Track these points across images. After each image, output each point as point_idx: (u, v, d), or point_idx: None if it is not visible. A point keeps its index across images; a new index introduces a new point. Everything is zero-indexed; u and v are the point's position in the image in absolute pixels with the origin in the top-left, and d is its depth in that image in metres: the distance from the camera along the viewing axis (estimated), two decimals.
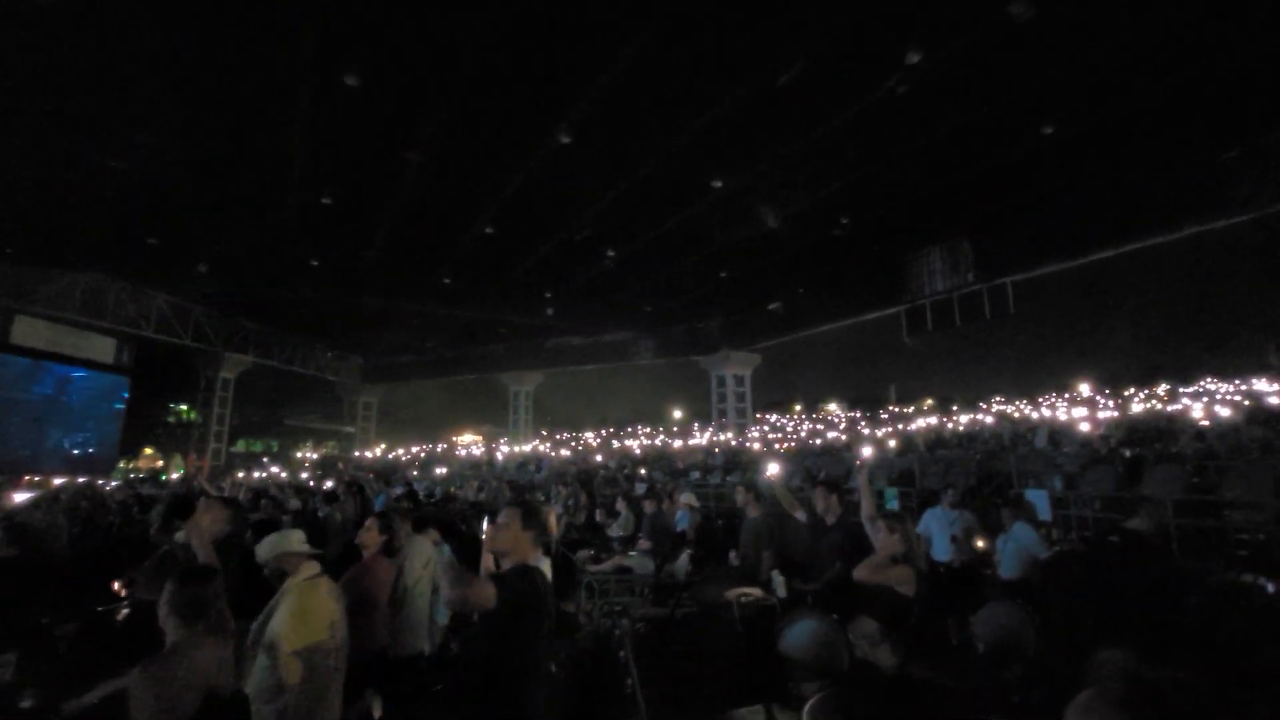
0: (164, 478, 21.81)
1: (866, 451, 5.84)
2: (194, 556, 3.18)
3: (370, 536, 3.67)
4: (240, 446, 30.92)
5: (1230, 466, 7.17)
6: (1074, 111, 9.55)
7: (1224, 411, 14.89)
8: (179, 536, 4.34)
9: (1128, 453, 9.63)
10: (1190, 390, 29.22)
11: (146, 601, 3.27)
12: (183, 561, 4.16)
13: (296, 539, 2.98)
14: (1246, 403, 17.94)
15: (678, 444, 23.49)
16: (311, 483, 15.90)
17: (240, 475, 17.47)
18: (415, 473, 18.69)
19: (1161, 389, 31.27)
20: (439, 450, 27.59)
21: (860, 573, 3.27)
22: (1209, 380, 32.10)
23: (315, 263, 15.72)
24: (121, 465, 26.38)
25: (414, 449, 27.82)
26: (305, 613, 2.64)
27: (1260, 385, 24.18)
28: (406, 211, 12.66)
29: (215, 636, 2.22)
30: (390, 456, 26.50)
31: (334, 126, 9.72)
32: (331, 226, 13.46)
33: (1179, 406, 20.96)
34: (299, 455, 29.06)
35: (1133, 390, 31.67)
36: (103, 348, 20.39)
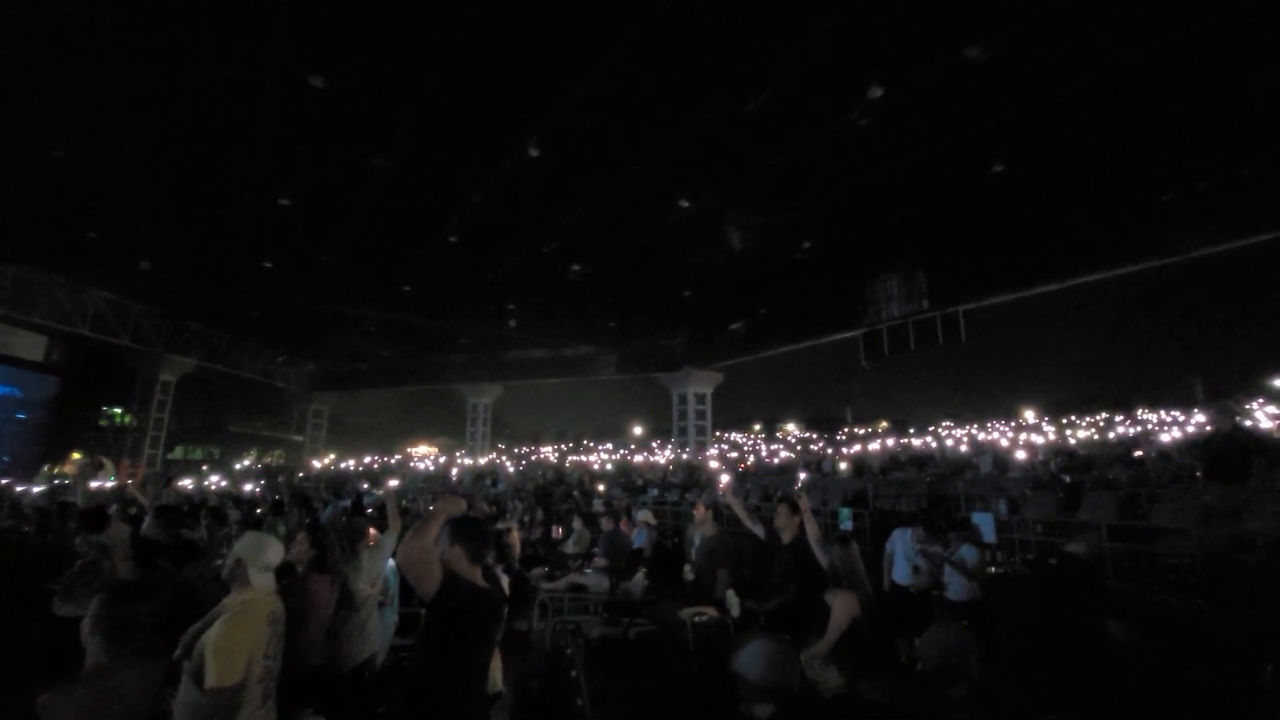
0: (93, 484, 20.52)
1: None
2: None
3: (300, 551, 3.51)
4: (178, 453, 29.43)
5: (1161, 494, 7.53)
6: (1022, 152, 10.07)
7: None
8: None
9: (1067, 478, 10.02)
10: (1124, 419, 30.75)
11: (65, 617, 3.06)
12: (106, 574, 3.92)
13: (266, 558, 2.73)
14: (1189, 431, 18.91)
15: (638, 459, 23.42)
16: (257, 491, 15.24)
17: (180, 483, 16.63)
18: (365, 485, 18.10)
19: (1100, 418, 32.81)
20: (392, 462, 26.83)
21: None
22: (1144, 410, 33.82)
23: (269, 265, 15.22)
24: (45, 470, 24.78)
25: (366, 459, 27.00)
26: (228, 650, 2.40)
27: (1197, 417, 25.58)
28: (369, 217, 12.40)
29: (141, 660, 2.08)
30: (341, 467, 25.64)
31: (297, 126, 9.48)
32: (289, 228, 13.08)
33: (1116, 434, 22.00)
34: (241, 464, 27.84)
35: (1074, 417, 33.12)
36: (31, 345, 19.21)
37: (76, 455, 31.35)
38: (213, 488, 16.09)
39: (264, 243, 13.98)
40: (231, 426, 33.72)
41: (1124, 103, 8.96)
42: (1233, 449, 6.19)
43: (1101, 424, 30.09)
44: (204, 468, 25.86)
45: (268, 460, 30.62)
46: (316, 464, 26.39)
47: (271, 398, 30.04)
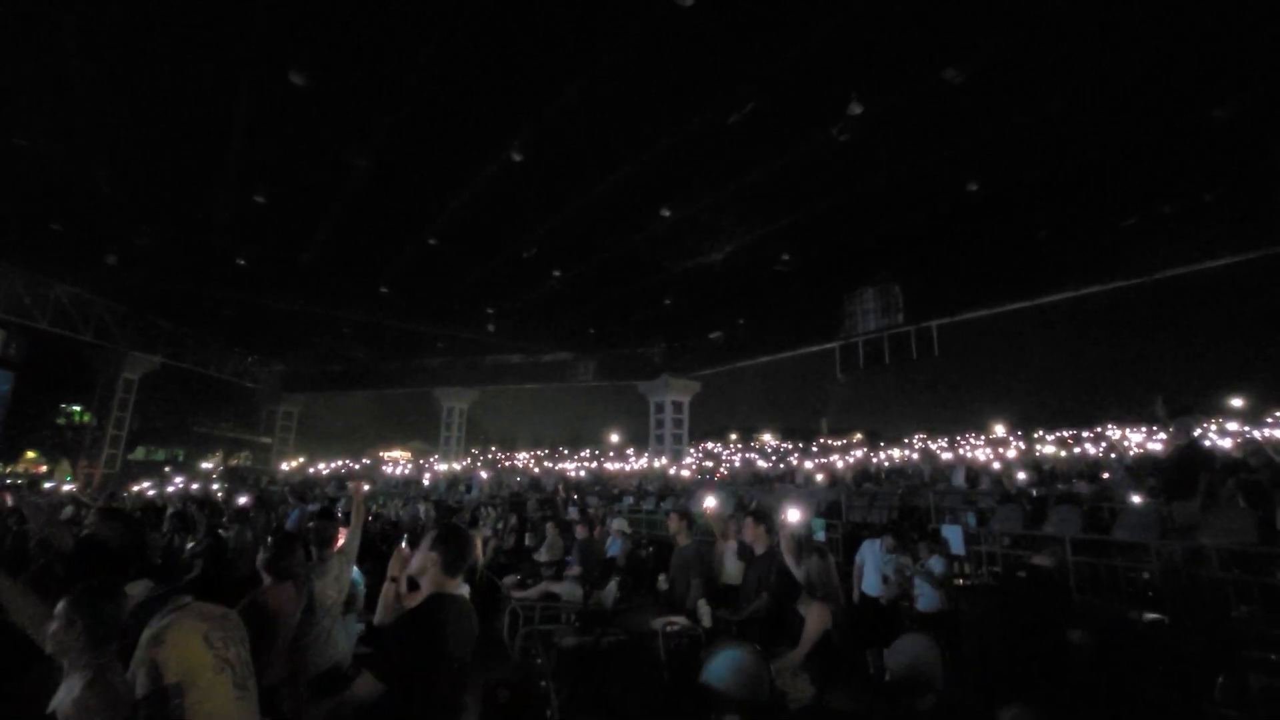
0: (47, 485, 19.80)
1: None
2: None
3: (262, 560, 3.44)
4: (140, 454, 28.50)
5: (1123, 508, 7.74)
6: (995, 172, 10.34)
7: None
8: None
9: (1034, 492, 10.24)
10: (1090, 434, 31.59)
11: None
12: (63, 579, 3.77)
13: (138, 589, 2.63)
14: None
15: (613, 467, 23.37)
16: (219, 494, 14.84)
17: (139, 487, 16.12)
18: (329, 488, 17.75)
19: (1066, 433, 33.66)
20: (363, 466, 26.38)
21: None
22: (1109, 426, 34.82)
23: (241, 262, 14.90)
24: None
25: (336, 463, 26.50)
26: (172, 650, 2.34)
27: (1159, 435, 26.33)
28: (347, 216, 12.22)
29: (122, 663, 1.99)
30: (310, 471, 25.12)
31: (274, 122, 9.32)
32: (263, 225, 12.82)
33: (1079, 450, 22.55)
34: (206, 465, 27.10)
35: (1041, 432, 33.94)
36: None
37: (31, 454, 30.26)
38: (172, 490, 15.61)
39: (237, 239, 13.68)
40: (197, 427, 32.82)
41: (1092, 128, 9.26)
42: (1186, 466, 6.40)
43: (1069, 439, 30.87)
44: (166, 469, 25.10)
45: (234, 462, 29.84)
46: (285, 467, 25.81)
47: (240, 398, 29.32)
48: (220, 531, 7.53)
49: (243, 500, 9.59)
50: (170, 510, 8.87)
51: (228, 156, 10.13)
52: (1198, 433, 7.98)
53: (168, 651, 1.89)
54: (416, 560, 2.49)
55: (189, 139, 9.94)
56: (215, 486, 17.22)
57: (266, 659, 3.02)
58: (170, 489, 15.97)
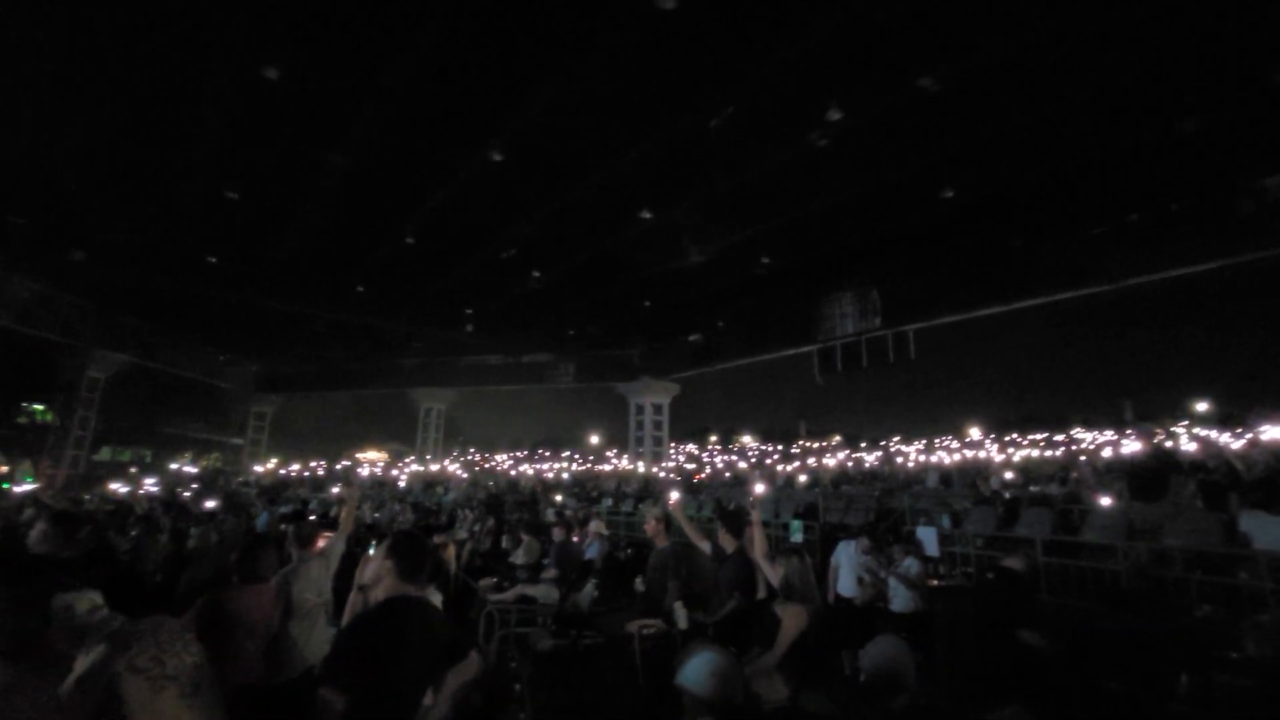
0: (4, 486, 19.15)
1: (760, 488, 5.93)
2: None
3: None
4: (105, 455, 27.65)
5: (1091, 510, 7.90)
6: (971, 180, 10.51)
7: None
8: None
9: (1007, 495, 10.42)
10: (1062, 438, 32.28)
11: None
12: None
13: (84, 604, 2.55)
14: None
15: (592, 469, 23.30)
16: (187, 495, 14.49)
17: (114, 487, 15.67)
18: (302, 490, 17.43)
19: (1039, 436, 34.35)
20: (339, 468, 25.95)
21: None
22: (1079, 430, 35.61)
23: (213, 259, 14.57)
24: None
25: (311, 465, 26.02)
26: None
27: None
28: (323, 213, 12.02)
29: (40, 678, 1.91)
30: (282, 472, 24.64)
31: (249, 117, 9.14)
32: (236, 222, 12.55)
33: (1050, 453, 23.01)
34: (175, 467, 26.43)
35: (1015, 435, 34.58)
36: None
37: None
38: (142, 492, 15.20)
39: (209, 236, 13.39)
40: (166, 427, 31.92)
41: (1064, 139, 9.47)
42: (1154, 469, 6.56)
43: (1042, 443, 31.52)
44: (133, 470, 24.42)
45: (204, 463, 29.16)
46: (257, 469, 25.28)
47: (211, 398, 28.62)
48: (191, 532, 7.36)
49: (210, 504, 9.37)
50: (137, 512, 8.65)
51: (199, 150, 9.90)
52: (1162, 437, 8.19)
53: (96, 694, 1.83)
54: (371, 568, 2.45)
55: (159, 133, 9.70)
56: (195, 487, 16.77)
57: (230, 660, 2.94)
58: (144, 490, 15.57)
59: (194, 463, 28.49)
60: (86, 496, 14.32)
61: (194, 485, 17.88)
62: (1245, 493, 6.19)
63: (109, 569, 4.58)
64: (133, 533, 7.25)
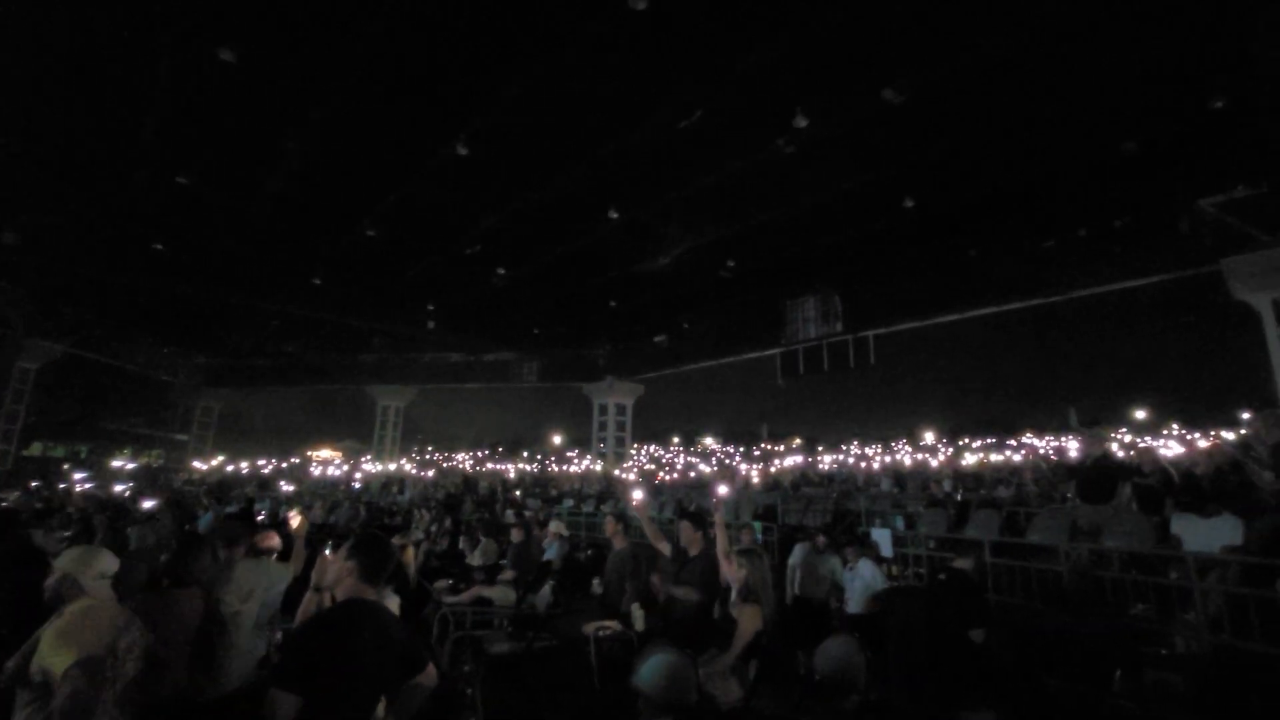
0: None
1: (723, 489, 5.94)
2: None
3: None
4: (36, 450, 26.11)
5: (1036, 513, 8.18)
6: (930, 191, 10.83)
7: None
8: None
9: (959, 497, 10.74)
10: (1013, 443, 33.44)
11: None
12: None
13: (99, 566, 2.53)
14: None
15: (556, 469, 23.14)
16: (126, 493, 13.82)
17: (35, 484, 14.81)
18: (249, 489, 16.80)
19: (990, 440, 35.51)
20: (288, 466, 25.12)
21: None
22: (1029, 434, 36.91)
23: (160, 246, 13.93)
24: None
25: (260, 462, 25.11)
26: (77, 630, 2.25)
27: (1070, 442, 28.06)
28: (279, 202, 11.61)
29: None
30: (230, 469, 23.72)
31: (200, 99, 8.75)
32: (185, 209, 12.01)
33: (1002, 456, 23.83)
34: (114, 463, 25.11)
35: (968, 439, 35.68)
36: None
37: None
38: (79, 490, 14.39)
39: (156, 222, 12.77)
40: (104, 422, 30.33)
41: (1018, 154, 9.84)
42: (1101, 473, 6.83)
43: (992, 446, 32.59)
44: (65, 466, 23.12)
45: (143, 460, 27.81)
46: (201, 466, 24.27)
47: (154, 392, 27.31)
48: (129, 533, 7.00)
49: (148, 503, 8.93)
50: (70, 511, 8.18)
51: (147, 131, 9.44)
52: (1110, 442, 8.56)
53: None
54: (332, 570, 2.36)
55: (105, 113, 9.22)
56: (119, 487, 15.94)
57: (160, 665, 2.77)
58: (80, 489, 14.71)
59: (133, 459, 27.09)
60: (12, 495, 13.50)
61: (130, 483, 16.96)
62: (1177, 496, 6.51)
63: (34, 573, 4.30)
64: (65, 534, 6.85)
